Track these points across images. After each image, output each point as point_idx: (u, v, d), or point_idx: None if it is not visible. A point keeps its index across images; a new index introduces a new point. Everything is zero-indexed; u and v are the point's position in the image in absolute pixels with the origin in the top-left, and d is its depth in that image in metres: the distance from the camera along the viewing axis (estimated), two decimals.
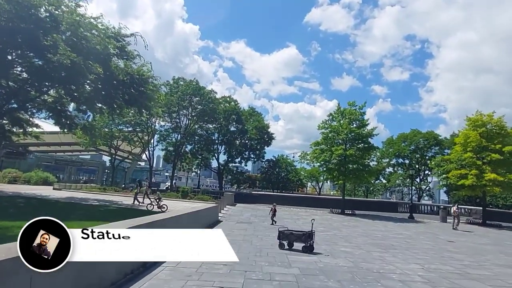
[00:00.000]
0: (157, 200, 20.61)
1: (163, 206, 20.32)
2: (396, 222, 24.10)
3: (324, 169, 29.28)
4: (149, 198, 22.12)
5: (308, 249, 9.84)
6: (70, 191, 29.18)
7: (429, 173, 58.38)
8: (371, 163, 30.03)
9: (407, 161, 59.32)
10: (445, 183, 28.08)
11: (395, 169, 59.91)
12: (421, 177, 60.43)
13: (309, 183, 69.15)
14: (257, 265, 7.77)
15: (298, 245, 10.20)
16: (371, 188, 63.32)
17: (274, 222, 17.67)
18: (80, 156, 65.84)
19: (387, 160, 59.52)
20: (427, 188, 59.21)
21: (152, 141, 43.49)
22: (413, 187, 59.59)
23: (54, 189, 28.89)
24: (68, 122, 22.53)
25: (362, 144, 28.14)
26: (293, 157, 65.33)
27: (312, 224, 11.25)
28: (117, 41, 17.83)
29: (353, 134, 27.20)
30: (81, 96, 18.29)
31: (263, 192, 46.85)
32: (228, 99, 49.91)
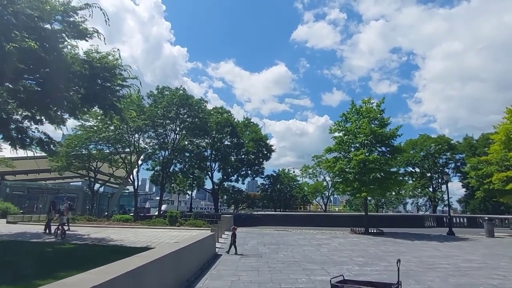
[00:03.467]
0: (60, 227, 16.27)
1: (62, 233, 16.14)
2: (442, 241, 19.00)
3: (340, 180, 24.32)
4: (61, 226, 16.87)
5: None
6: (26, 224, 23.63)
7: (443, 180, 53.96)
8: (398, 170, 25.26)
9: (417, 169, 54.76)
10: (487, 188, 23.24)
11: (406, 178, 55.10)
12: (433, 185, 55.73)
13: (314, 199, 63.64)
14: None
15: None
16: (382, 201, 58.06)
17: (236, 251, 13.06)
18: (61, 183, 59.87)
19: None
20: (446, 198, 54.38)
21: (137, 160, 38.21)
22: (429, 197, 55.00)
23: (7, 222, 23.32)
24: (19, 136, 17.43)
25: (384, 148, 23.42)
26: (293, 172, 60.24)
27: (398, 267, 5.85)
28: (67, 16, 12.99)
29: (374, 135, 22.38)
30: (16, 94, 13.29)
31: (266, 212, 41.49)
32: (220, 110, 45.08)
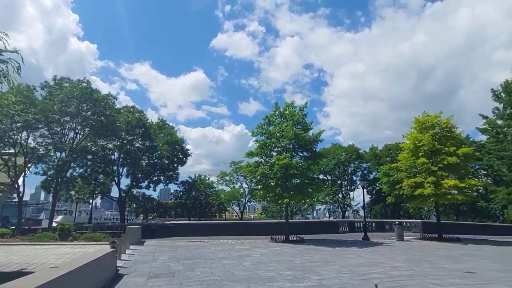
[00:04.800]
0: None
1: None
2: (361, 247, 18.83)
3: (261, 186, 23.04)
4: None
5: None
6: None
7: (354, 187, 57.37)
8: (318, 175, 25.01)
9: (329, 177, 57.22)
10: (397, 193, 24.28)
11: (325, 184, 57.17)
12: (343, 192, 58.84)
13: (230, 207, 61.88)
14: None
15: None
16: (295, 209, 59.11)
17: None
18: None
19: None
20: (355, 204, 57.69)
21: (25, 163, 31.78)
22: (339, 204, 57.75)
23: None
24: None
25: (306, 153, 22.89)
26: (208, 179, 57.81)
27: None
28: None
29: (297, 139, 21.63)
30: None
31: (179, 222, 38.32)
32: (132, 109, 40.66)
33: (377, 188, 52.54)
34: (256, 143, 23.34)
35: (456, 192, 22.88)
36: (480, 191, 39.21)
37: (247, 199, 55.71)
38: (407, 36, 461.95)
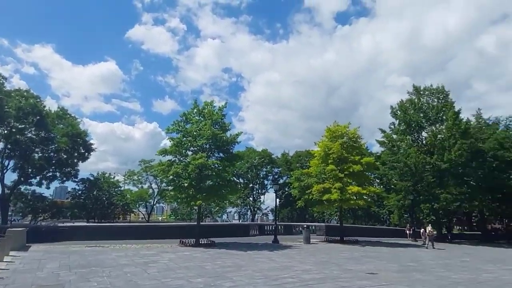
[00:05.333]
0: None
1: None
2: (272, 250, 18.91)
3: (173, 187, 21.71)
4: None
5: None
6: None
7: (265, 190, 58.89)
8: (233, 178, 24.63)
9: (241, 180, 57.83)
10: (307, 198, 25.31)
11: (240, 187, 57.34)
12: (254, 195, 60.02)
13: (137, 208, 57.91)
14: None
15: None
16: (206, 211, 58.13)
17: None
18: None
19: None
20: (264, 207, 59.05)
21: None
22: (250, 207, 58.59)
23: None
24: None
25: (223, 154, 22.33)
26: (114, 177, 53.43)
27: None
28: None
29: (215, 139, 20.94)
30: None
31: (76, 224, 34.24)
32: (25, 93, 35.18)
33: (286, 192, 54.94)
34: (170, 141, 21.95)
35: (356, 198, 24.71)
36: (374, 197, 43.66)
37: (155, 200, 52.88)
38: (319, 52, 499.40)
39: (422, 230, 28.33)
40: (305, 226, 25.63)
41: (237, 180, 57.81)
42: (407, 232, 34.85)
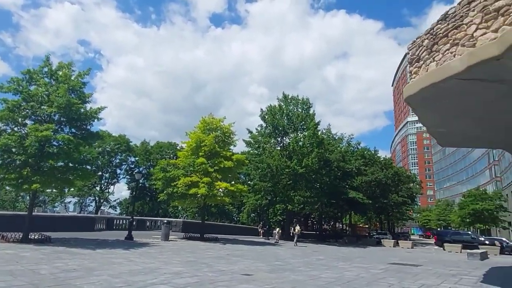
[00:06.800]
0: None
1: None
2: (127, 249, 16.16)
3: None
4: None
5: None
6: None
7: (115, 180, 52.69)
8: (88, 160, 20.38)
9: (88, 167, 50.35)
10: (171, 190, 23.21)
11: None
12: (102, 185, 53.26)
13: None
14: None
15: None
16: (41, 198, 48.24)
17: None
18: None
19: None
20: (114, 199, 52.80)
21: None
22: (95, 197, 51.49)
23: None
24: None
25: (77, 130, 18.21)
26: None
27: None
28: None
29: (69, 110, 16.77)
30: None
31: None
32: None
33: (141, 184, 50.72)
34: (2, 103, 16.56)
35: (223, 194, 24.15)
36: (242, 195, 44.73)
37: None
38: (190, 48, 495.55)
39: (279, 230, 30.93)
40: (165, 221, 23.43)
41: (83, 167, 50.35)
42: (260, 230, 36.73)
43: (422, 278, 11.98)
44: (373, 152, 52.02)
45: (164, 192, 24.01)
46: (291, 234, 30.59)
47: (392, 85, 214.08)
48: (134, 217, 22.76)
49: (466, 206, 54.81)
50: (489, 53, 7.98)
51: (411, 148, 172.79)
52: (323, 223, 67.06)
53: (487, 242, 34.28)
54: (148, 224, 34.91)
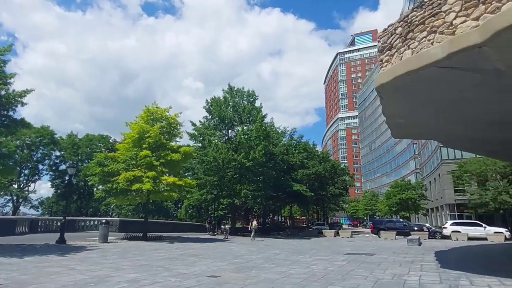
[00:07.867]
0: None
1: None
2: (63, 254, 13.90)
3: None
4: None
5: None
6: None
7: (37, 178, 46.63)
8: None
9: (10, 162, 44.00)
10: (110, 186, 20.85)
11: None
12: (20, 183, 46.89)
13: None
14: None
15: None
16: None
17: None
18: None
19: None
20: (35, 198, 46.78)
21: None
22: (12, 196, 45.18)
23: None
24: None
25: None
26: None
27: None
28: None
29: None
30: None
31: None
32: None
33: (67, 181, 45.86)
34: None
35: (169, 189, 22.45)
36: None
37: None
38: (119, 36, 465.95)
39: (227, 226, 30.51)
40: (103, 221, 21.00)
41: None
42: (208, 226, 35.69)
43: (388, 267, 12.03)
44: (312, 146, 53.59)
45: (102, 188, 21.54)
46: (249, 229, 31.75)
47: (324, 83, 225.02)
48: (66, 217, 19.96)
49: (393, 196, 59.38)
50: (471, 41, 7.95)
51: (340, 143, 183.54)
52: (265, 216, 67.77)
53: (416, 228, 37.27)
54: (78, 224, 31.54)
